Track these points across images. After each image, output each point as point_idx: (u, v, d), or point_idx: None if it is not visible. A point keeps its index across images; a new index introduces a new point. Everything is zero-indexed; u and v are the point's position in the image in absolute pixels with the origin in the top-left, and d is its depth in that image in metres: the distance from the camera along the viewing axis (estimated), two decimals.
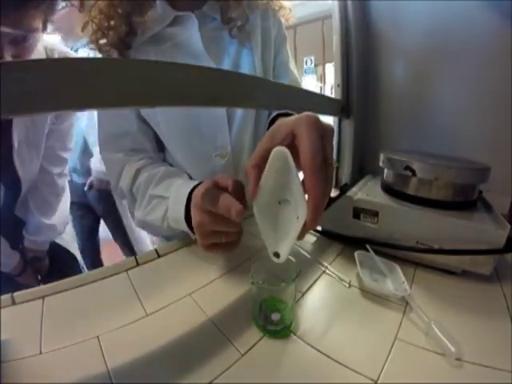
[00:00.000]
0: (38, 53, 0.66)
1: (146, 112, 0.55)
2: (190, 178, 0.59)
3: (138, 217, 0.54)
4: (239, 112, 0.57)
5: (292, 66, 0.66)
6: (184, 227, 0.44)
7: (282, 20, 0.63)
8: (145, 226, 0.55)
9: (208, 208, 0.36)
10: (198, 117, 0.55)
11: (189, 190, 0.43)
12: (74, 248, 0.98)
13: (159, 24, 0.52)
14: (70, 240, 0.97)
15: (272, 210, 0.32)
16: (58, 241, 0.91)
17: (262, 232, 0.31)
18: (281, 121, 0.32)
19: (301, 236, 0.29)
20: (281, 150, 0.29)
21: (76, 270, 0.96)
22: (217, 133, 0.56)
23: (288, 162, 0.28)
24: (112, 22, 0.49)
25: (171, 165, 0.62)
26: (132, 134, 0.56)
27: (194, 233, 0.41)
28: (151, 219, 0.51)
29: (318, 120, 0.29)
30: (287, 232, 0.30)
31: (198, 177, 0.59)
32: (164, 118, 0.54)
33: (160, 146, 0.61)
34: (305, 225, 0.28)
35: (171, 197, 0.46)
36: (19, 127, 0.70)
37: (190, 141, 0.56)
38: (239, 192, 0.36)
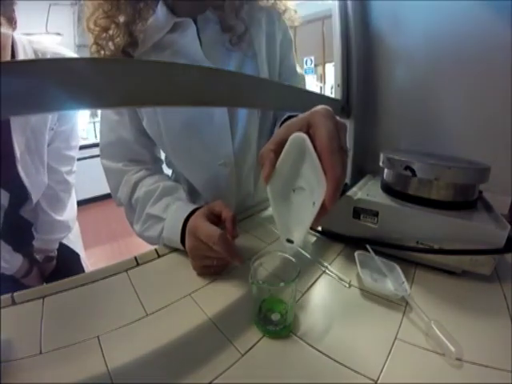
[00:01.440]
0: (26, 56, 0.66)
1: (147, 123, 0.56)
2: (191, 188, 0.62)
3: (137, 230, 0.56)
4: (242, 121, 0.57)
5: (298, 69, 0.65)
6: (179, 247, 0.47)
7: (288, 22, 0.62)
8: (143, 238, 0.57)
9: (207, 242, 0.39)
10: (200, 128, 0.55)
11: (185, 216, 0.45)
12: (79, 248, 0.97)
13: (159, 32, 0.52)
14: (75, 240, 0.96)
15: (285, 197, 0.32)
16: (63, 240, 0.91)
17: (275, 217, 0.32)
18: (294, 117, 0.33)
19: (316, 222, 0.29)
20: (299, 135, 0.29)
21: (80, 270, 0.95)
22: (219, 143, 0.57)
23: (307, 146, 0.29)
24: (110, 32, 0.49)
25: (173, 171, 0.63)
26: (130, 145, 0.57)
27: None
28: (148, 235, 0.53)
29: (332, 112, 0.30)
30: (301, 218, 0.31)
31: (202, 186, 0.61)
32: (166, 130, 0.55)
33: (159, 156, 0.63)
34: (321, 209, 0.28)
35: (168, 219, 0.49)
36: (19, 136, 0.70)
37: (192, 152, 0.57)
38: (232, 222, 0.42)
